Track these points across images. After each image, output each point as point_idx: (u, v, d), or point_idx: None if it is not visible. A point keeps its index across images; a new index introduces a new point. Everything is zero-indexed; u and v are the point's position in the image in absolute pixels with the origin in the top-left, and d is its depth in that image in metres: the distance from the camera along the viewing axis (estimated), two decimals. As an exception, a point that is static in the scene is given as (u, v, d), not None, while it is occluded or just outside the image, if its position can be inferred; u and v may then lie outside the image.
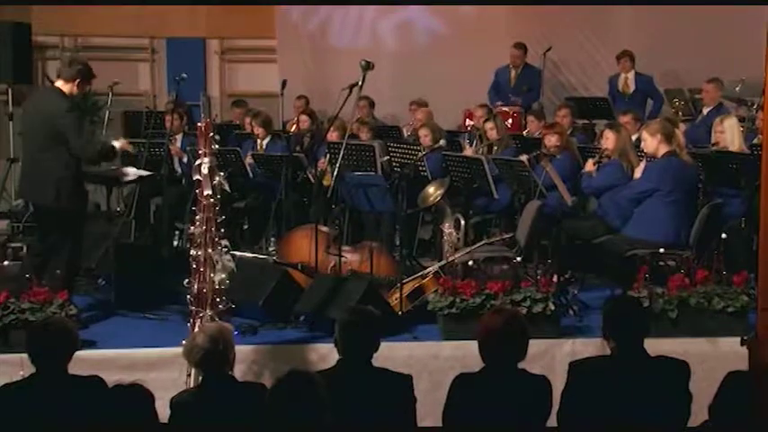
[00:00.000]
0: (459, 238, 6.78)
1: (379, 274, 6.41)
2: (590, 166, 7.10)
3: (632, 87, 10.09)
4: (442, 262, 6.35)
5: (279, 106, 10.39)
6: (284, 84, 10.39)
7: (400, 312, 6.02)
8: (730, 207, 6.96)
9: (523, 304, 5.71)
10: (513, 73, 10.46)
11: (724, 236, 5.84)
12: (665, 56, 10.60)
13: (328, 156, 7.96)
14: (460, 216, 6.98)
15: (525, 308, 5.67)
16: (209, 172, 5.17)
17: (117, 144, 6.19)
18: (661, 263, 6.23)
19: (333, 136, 8.16)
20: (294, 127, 9.47)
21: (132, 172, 7.04)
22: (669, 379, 4.05)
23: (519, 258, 6.16)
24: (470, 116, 9.66)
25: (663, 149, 6.51)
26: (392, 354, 5.38)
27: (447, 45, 11.37)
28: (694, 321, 5.76)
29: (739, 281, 5.84)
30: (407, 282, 6.29)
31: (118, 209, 8.55)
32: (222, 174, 5.29)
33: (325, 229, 6.86)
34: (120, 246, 6.81)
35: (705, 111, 8.84)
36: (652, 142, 6.54)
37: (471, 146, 8.68)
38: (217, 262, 5.17)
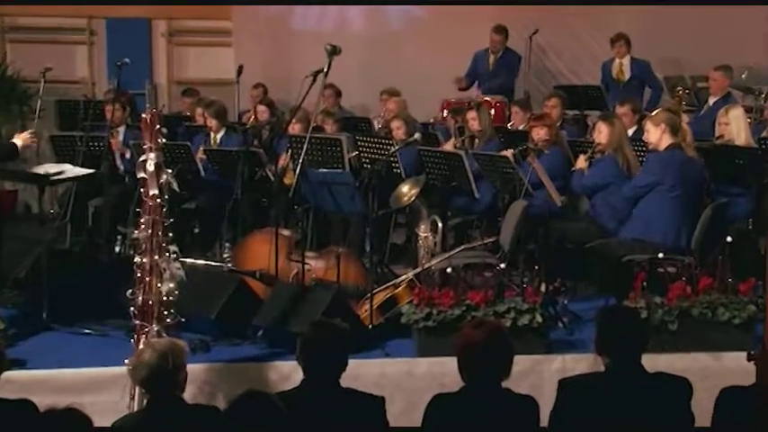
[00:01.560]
0: (436, 243, 6.79)
1: (347, 282, 6.41)
2: (581, 162, 7.14)
3: (628, 74, 10.16)
4: (417, 269, 6.36)
5: (234, 95, 10.35)
6: (240, 70, 10.35)
7: (370, 326, 6.03)
8: (736, 207, 7.03)
9: (508, 316, 5.73)
10: (491, 58, 10.51)
11: (729, 239, 5.89)
12: (663, 40, 10.70)
13: (290, 151, 7.95)
14: (438, 218, 6.99)
15: (510, 320, 5.70)
16: (155, 169, 5.15)
17: (19, 142, 6.15)
18: (660, 269, 6.27)
19: (295, 129, 8.14)
20: (251, 119, 9.45)
21: (67, 170, 6.98)
22: (669, 398, 4.08)
23: (503, 265, 6.18)
24: (449, 107, 9.68)
25: (666, 141, 6.57)
26: (362, 372, 5.38)
27: (422, 28, 11.40)
28: (697, 334, 5.81)
29: (746, 289, 5.90)
30: (378, 291, 6.29)
31: (51, 210, 8.48)
32: (170, 171, 5.26)
33: (286, 232, 6.84)
34: (53, 252, 6.75)
35: (711, 101, 8.90)
36: (655, 132, 6.59)
37: (453, 138, 8.70)
38: (164, 270, 5.14)
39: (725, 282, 5.91)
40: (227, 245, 7.95)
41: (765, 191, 7.07)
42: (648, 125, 6.68)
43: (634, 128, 7.98)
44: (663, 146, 6.58)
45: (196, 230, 8.58)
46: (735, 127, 7.28)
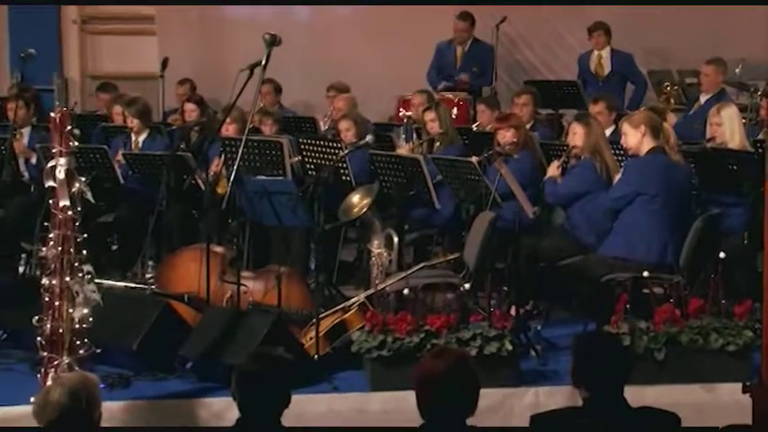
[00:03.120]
0: (390, 260, 6.80)
1: (290, 306, 6.40)
2: (553, 169, 7.20)
3: (608, 68, 10.26)
4: (370, 291, 6.37)
5: (158, 91, 10.31)
6: (165, 63, 10.31)
7: (316, 356, 6.03)
8: (730, 218, 7.11)
9: (473, 344, 5.76)
10: (458, 50, 10.56)
11: (722, 255, 5.96)
12: (648, 29, 10.81)
13: (223, 155, 7.93)
14: (393, 232, 7.01)
15: (475, 348, 5.72)
16: (66, 176, 5.11)
17: None
18: (645, 290, 6.34)
19: (229, 130, 8.13)
20: (178, 118, 9.41)
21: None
22: (655, 435, 4.12)
23: (467, 285, 6.21)
24: (405, 105, 9.72)
25: (647, 145, 6.65)
26: (307, 409, 5.39)
27: (375, 15, 11.41)
28: (686, 363, 5.88)
29: (742, 312, 5.97)
30: (325, 316, 6.29)
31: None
32: (84, 179, 5.23)
33: (219, 249, 6.83)
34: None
35: (703, 99, 8.99)
36: (634, 136, 6.66)
37: (407, 143, 8.74)
38: (77, 294, 5.10)
39: (718, 304, 5.98)
40: (150, 264, 7.90)
41: (762, 200, 7.15)
42: (626, 128, 6.73)
43: (611, 128, 8.07)
44: (643, 150, 6.65)
45: (114, 247, 8.52)
46: (728, 128, 7.37)
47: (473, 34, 10.55)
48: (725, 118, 7.40)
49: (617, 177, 6.85)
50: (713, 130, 7.45)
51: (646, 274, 6.19)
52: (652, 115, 6.85)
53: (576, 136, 7.10)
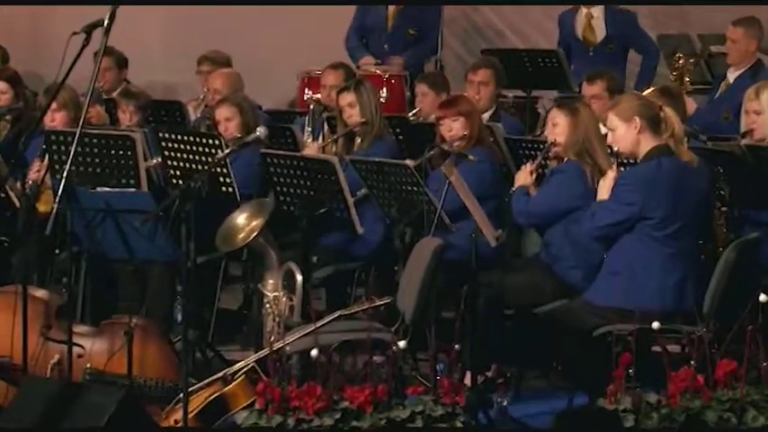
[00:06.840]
0: (292, 308, 6.80)
1: (146, 375, 6.38)
2: (525, 174, 7.23)
3: (601, 33, 10.32)
4: (263, 351, 6.36)
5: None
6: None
7: (185, 446, 6.02)
8: (772, 245, 7.22)
9: (412, 426, 5.77)
10: (390, 9, 10.59)
11: (764, 297, 6.02)
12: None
13: (47, 157, 7.88)
14: (295, 267, 7.01)
15: (415, 433, 5.75)
16: None
17: None
18: (655, 347, 6.39)
19: (56, 120, 8.10)
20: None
21: None
22: None
23: (402, 343, 6.22)
24: (313, 85, 9.74)
25: (646, 144, 6.64)
26: None
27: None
28: (714, 449, 5.95)
29: (790, 378, 6.06)
30: (198, 389, 6.29)
31: None
32: None
33: (40, 293, 6.78)
34: None
35: (732, 76, 9.14)
36: (627, 133, 6.62)
37: (314, 139, 8.75)
38: None
39: (757, 367, 6.04)
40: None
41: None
42: (613, 121, 6.67)
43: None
44: (641, 152, 6.64)
45: None
46: (770, 116, 7.49)
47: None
48: (765, 103, 7.48)
49: (603, 189, 6.79)
50: (750, 120, 7.53)
51: (656, 325, 6.23)
52: (645, 100, 6.81)
53: (558, 128, 7.14)
